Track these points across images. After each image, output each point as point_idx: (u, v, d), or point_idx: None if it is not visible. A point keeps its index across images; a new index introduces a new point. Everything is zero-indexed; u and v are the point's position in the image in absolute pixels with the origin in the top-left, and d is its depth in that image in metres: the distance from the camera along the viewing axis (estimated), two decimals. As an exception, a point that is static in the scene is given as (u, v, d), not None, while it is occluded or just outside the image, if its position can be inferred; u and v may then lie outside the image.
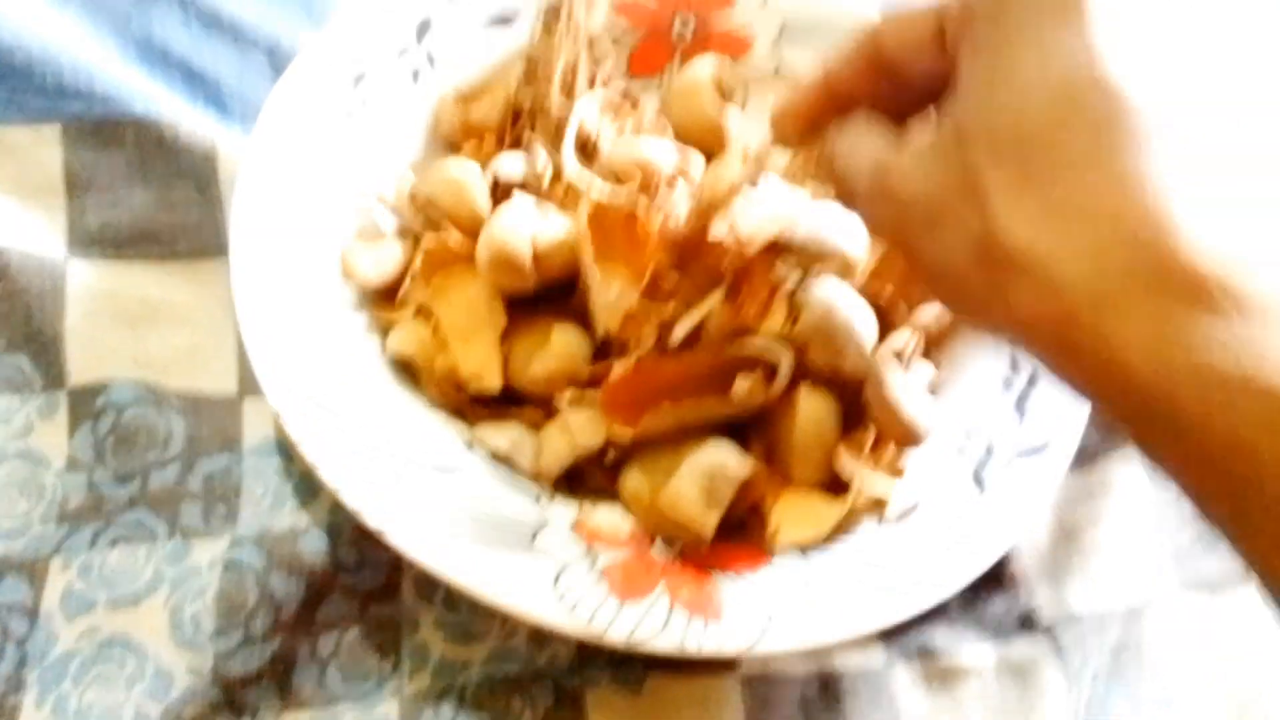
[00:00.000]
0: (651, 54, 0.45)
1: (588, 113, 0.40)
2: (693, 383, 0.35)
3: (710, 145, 0.43)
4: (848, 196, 0.28)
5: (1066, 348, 0.22)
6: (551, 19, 0.42)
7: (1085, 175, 0.22)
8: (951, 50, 0.26)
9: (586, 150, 0.40)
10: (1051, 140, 0.22)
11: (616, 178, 0.38)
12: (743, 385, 0.34)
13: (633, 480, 0.34)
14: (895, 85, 0.28)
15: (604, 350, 0.36)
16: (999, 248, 0.23)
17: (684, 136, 0.42)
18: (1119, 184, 0.21)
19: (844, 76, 0.29)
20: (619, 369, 0.34)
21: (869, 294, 0.37)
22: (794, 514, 0.35)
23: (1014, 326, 0.23)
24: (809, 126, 0.30)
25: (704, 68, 0.43)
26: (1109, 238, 0.21)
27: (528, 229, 0.36)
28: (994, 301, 0.23)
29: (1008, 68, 0.23)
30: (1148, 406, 0.21)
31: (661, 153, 0.39)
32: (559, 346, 0.36)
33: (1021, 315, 0.23)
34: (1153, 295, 0.21)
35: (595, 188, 0.36)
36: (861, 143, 0.28)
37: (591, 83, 0.41)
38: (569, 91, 0.40)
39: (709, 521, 0.33)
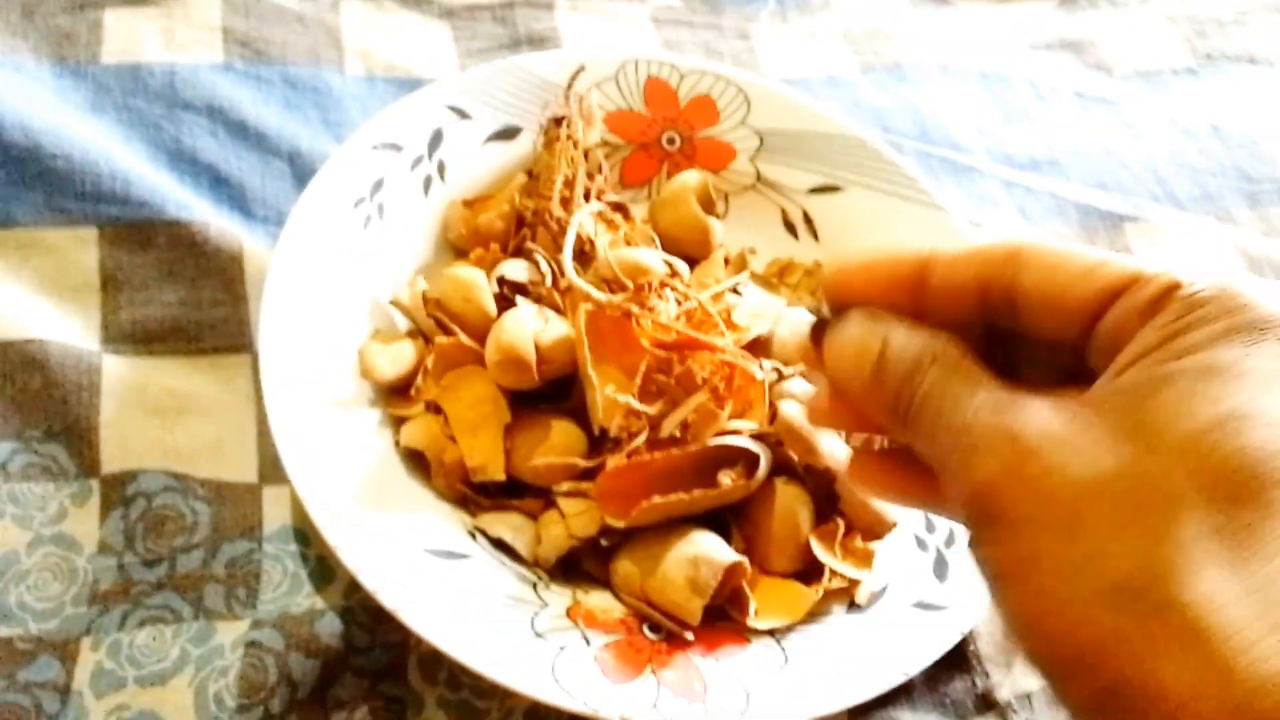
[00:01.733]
0: (641, 165, 0.49)
1: (585, 222, 0.43)
2: (679, 476, 0.38)
3: (695, 250, 0.46)
4: (912, 419, 0.23)
5: None
6: (552, 135, 0.46)
7: None
8: (1124, 335, 0.22)
9: (583, 256, 0.43)
10: None
11: (609, 285, 0.41)
12: (726, 479, 0.38)
13: (623, 568, 0.37)
14: (998, 326, 0.24)
15: (599, 444, 0.39)
16: (1173, 600, 0.18)
17: (670, 241, 0.46)
18: None
19: (951, 281, 0.24)
20: (612, 463, 0.37)
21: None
22: (772, 599, 0.38)
23: (1142, 692, 0.18)
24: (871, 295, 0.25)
25: (689, 178, 0.47)
26: None
27: (531, 331, 0.39)
28: (1124, 651, 0.18)
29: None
30: None
31: (651, 260, 0.42)
32: (558, 440, 0.39)
33: (1170, 687, 0.18)
34: None
35: (591, 294, 0.40)
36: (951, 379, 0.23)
37: (587, 195, 0.45)
38: (567, 203, 0.44)
39: (695, 608, 0.36)
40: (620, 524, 0.37)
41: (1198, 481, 0.19)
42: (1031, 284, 0.24)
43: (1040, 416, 0.21)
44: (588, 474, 0.39)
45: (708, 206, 0.47)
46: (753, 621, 0.37)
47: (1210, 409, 0.20)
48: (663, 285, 0.41)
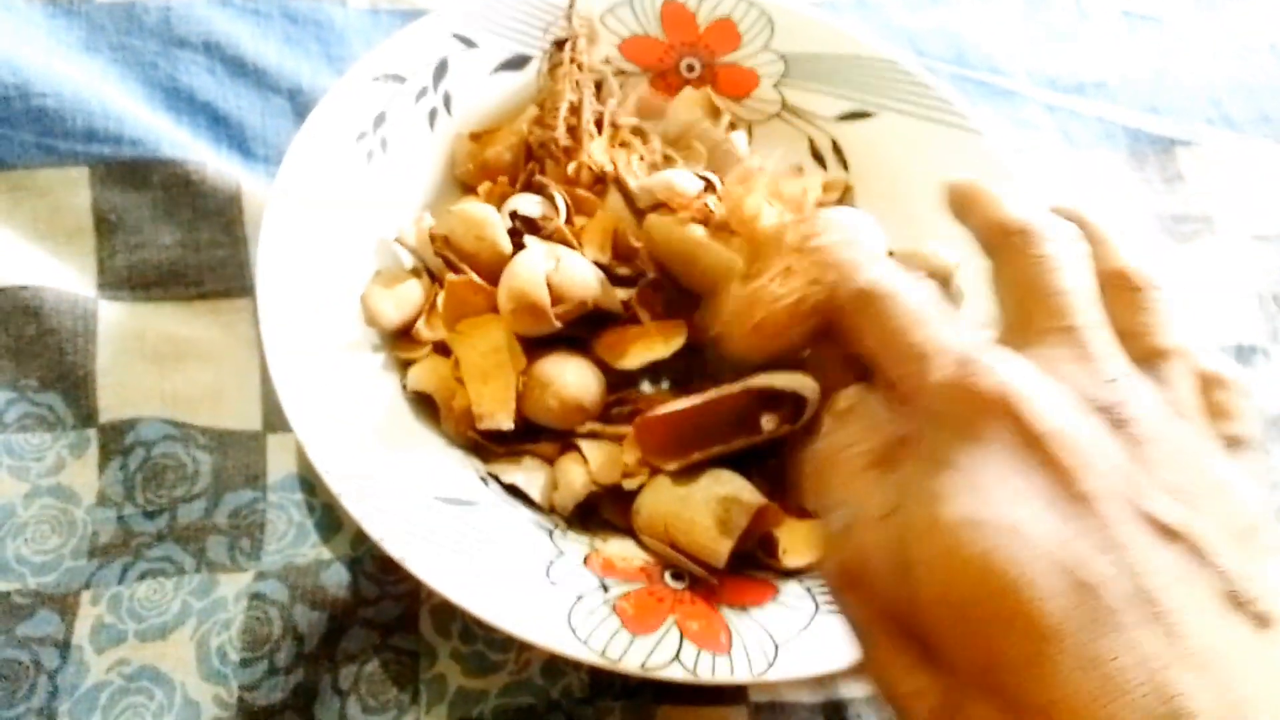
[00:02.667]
0: (659, 94, 0.47)
1: (603, 152, 0.41)
2: (719, 417, 0.35)
3: (722, 169, 0.44)
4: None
5: None
6: (555, 60, 0.43)
7: None
8: None
9: (600, 189, 0.41)
10: None
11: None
12: (770, 422, 0.35)
13: (647, 509, 0.35)
14: None
15: (617, 386, 0.37)
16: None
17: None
18: None
19: None
20: (661, 409, 0.35)
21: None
22: (798, 539, 0.36)
23: None
24: None
25: (689, 99, 0.45)
26: None
27: (543, 274, 0.37)
28: None
29: None
30: None
31: (685, 180, 0.40)
32: (575, 380, 0.37)
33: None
34: None
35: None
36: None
37: (598, 122, 0.43)
38: (574, 130, 0.41)
39: (722, 550, 0.34)
40: (670, 469, 0.35)
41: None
42: None
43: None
44: (607, 416, 0.37)
45: (715, 116, 0.44)
46: (784, 559, 0.35)
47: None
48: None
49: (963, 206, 0.28)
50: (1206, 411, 0.24)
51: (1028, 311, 0.24)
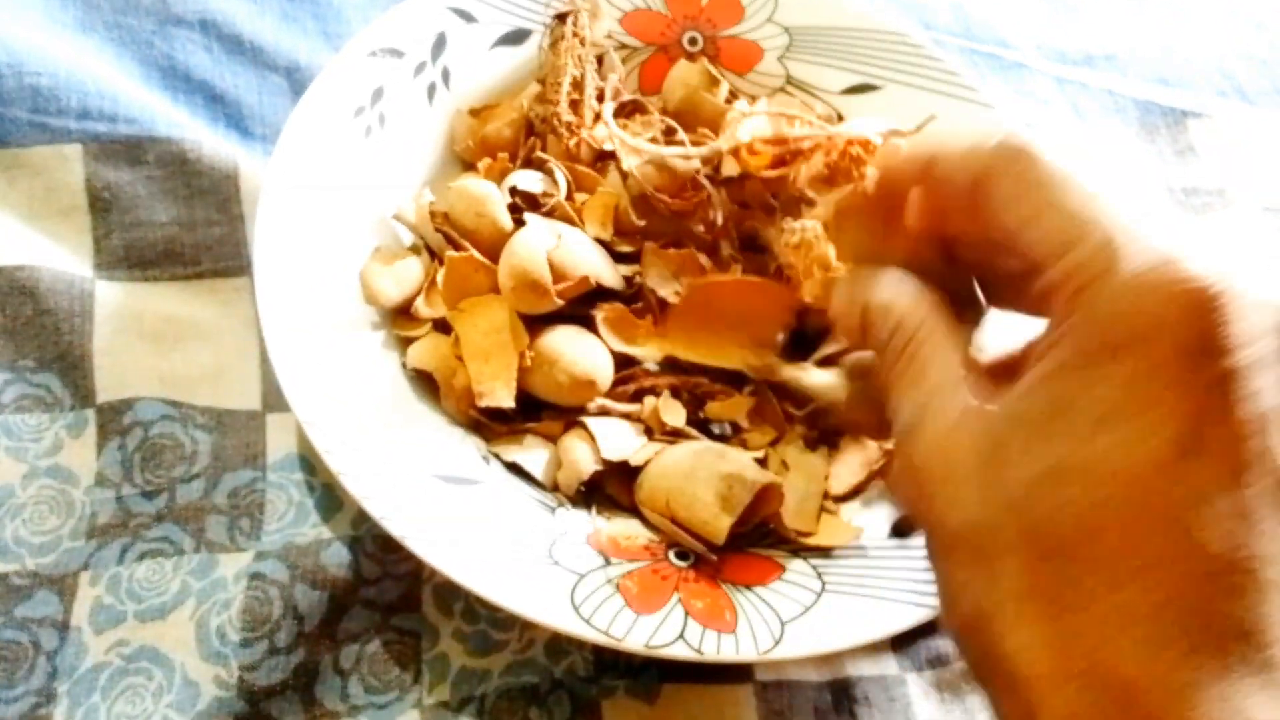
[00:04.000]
0: (661, 69, 0.46)
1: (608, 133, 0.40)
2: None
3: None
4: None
5: None
6: (557, 34, 0.43)
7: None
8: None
9: (604, 158, 0.40)
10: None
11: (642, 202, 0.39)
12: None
13: (650, 483, 0.35)
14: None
15: (626, 364, 0.37)
16: (995, 648, 0.21)
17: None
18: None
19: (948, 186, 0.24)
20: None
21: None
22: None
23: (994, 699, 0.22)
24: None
25: (684, 76, 0.44)
26: None
27: (544, 251, 0.36)
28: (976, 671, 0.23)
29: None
30: None
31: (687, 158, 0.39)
32: (585, 356, 0.36)
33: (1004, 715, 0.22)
34: None
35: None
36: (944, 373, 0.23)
37: (600, 96, 0.42)
38: (576, 105, 0.41)
39: (723, 525, 0.33)
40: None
41: (1022, 537, 0.20)
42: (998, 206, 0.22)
43: (943, 440, 0.23)
44: (612, 394, 0.36)
45: (711, 85, 0.43)
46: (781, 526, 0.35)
47: (1036, 464, 0.20)
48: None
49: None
50: None
51: None
